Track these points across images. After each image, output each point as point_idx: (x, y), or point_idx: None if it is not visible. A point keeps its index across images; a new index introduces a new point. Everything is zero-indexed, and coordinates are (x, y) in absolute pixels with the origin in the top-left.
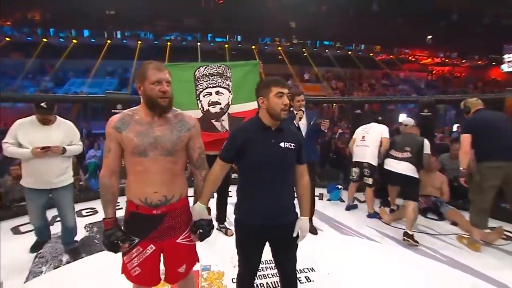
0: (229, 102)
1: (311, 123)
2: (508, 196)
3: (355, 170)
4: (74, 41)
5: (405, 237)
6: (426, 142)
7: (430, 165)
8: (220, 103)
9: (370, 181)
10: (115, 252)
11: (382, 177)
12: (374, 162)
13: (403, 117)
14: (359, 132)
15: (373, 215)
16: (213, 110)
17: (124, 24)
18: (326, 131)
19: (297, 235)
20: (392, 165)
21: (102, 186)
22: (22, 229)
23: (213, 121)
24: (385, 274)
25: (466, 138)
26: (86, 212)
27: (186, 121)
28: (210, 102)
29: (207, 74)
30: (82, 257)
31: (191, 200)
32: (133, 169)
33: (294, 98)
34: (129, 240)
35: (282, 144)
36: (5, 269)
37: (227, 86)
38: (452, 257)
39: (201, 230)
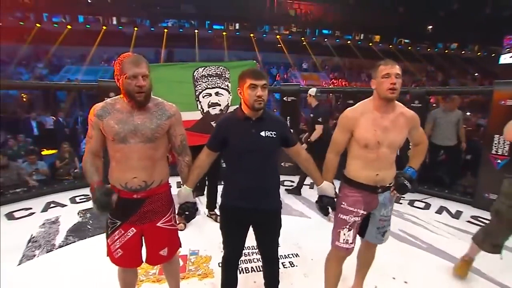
0: (228, 103)
1: None
2: None
3: None
4: (69, 26)
5: None
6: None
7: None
8: (220, 104)
9: None
10: (108, 207)
11: None
12: None
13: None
14: None
15: None
16: (213, 111)
17: (120, 10)
18: None
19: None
20: None
21: (86, 164)
22: (16, 215)
23: (212, 123)
24: None
25: None
26: (80, 199)
27: (166, 110)
28: (210, 103)
29: (206, 75)
30: (75, 242)
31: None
32: (114, 155)
33: None
34: (116, 193)
35: (262, 133)
36: None
37: (226, 87)
38: (431, 244)
39: (187, 212)
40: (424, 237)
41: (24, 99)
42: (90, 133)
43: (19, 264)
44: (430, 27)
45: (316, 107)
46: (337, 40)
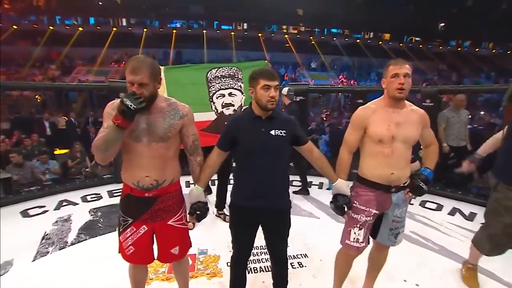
0: (241, 103)
1: None
2: None
3: None
4: (80, 28)
5: None
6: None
7: None
8: (233, 105)
9: None
10: (141, 103)
11: None
12: None
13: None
14: None
15: None
16: (227, 112)
17: (130, 11)
18: None
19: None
20: None
21: (95, 141)
22: (30, 212)
23: (226, 123)
24: None
25: None
26: (91, 198)
27: (179, 110)
28: (223, 104)
29: (219, 76)
30: (86, 240)
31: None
32: (127, 153)
33: None
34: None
35: (272, 132)
36: (15, 249)
37: (239, 88)
38: (444, 246)
39: (198, 212)
40: (436, 239)
41: (38, 100)
42: (106, 124)
43: (33, 261)
44: (442, 24)
45: (289, 105)
46: (346, 39)
